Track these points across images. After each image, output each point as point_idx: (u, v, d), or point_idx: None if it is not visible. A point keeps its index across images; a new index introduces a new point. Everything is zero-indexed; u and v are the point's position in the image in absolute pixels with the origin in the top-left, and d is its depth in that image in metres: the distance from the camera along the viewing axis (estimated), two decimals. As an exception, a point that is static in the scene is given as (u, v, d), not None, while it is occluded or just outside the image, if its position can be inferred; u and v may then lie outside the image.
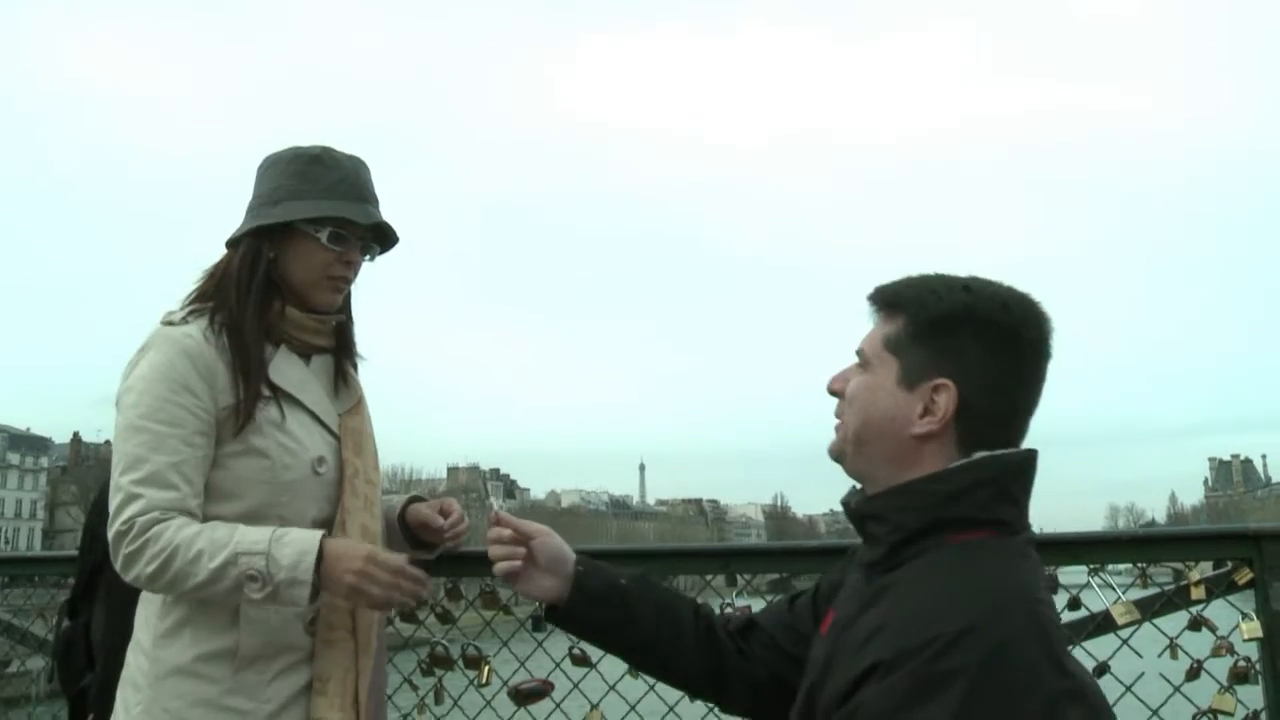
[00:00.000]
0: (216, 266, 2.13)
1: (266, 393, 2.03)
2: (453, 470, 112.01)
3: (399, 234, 2.18)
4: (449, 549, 2.33)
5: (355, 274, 2.16)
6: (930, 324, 1.42)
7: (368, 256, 2.17)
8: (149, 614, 2.02)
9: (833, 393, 1.53)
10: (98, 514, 2.34)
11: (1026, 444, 1.43)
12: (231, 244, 2.12)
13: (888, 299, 1.49)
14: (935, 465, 1.39)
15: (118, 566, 1.92)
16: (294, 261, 2.09)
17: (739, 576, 2.57)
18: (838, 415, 1.52)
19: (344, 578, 1.88)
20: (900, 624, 1.27)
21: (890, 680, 1.22)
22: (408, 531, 2.27)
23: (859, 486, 1.52)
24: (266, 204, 2.09)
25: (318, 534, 1.91)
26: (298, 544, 1.88)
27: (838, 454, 1.51)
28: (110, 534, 1.92)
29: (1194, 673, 2.27)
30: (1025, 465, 1.41)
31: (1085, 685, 1.26)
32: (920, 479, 1.39)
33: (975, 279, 1.45)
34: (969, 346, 1.40)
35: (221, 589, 1.87)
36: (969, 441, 1.39)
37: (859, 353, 1.51)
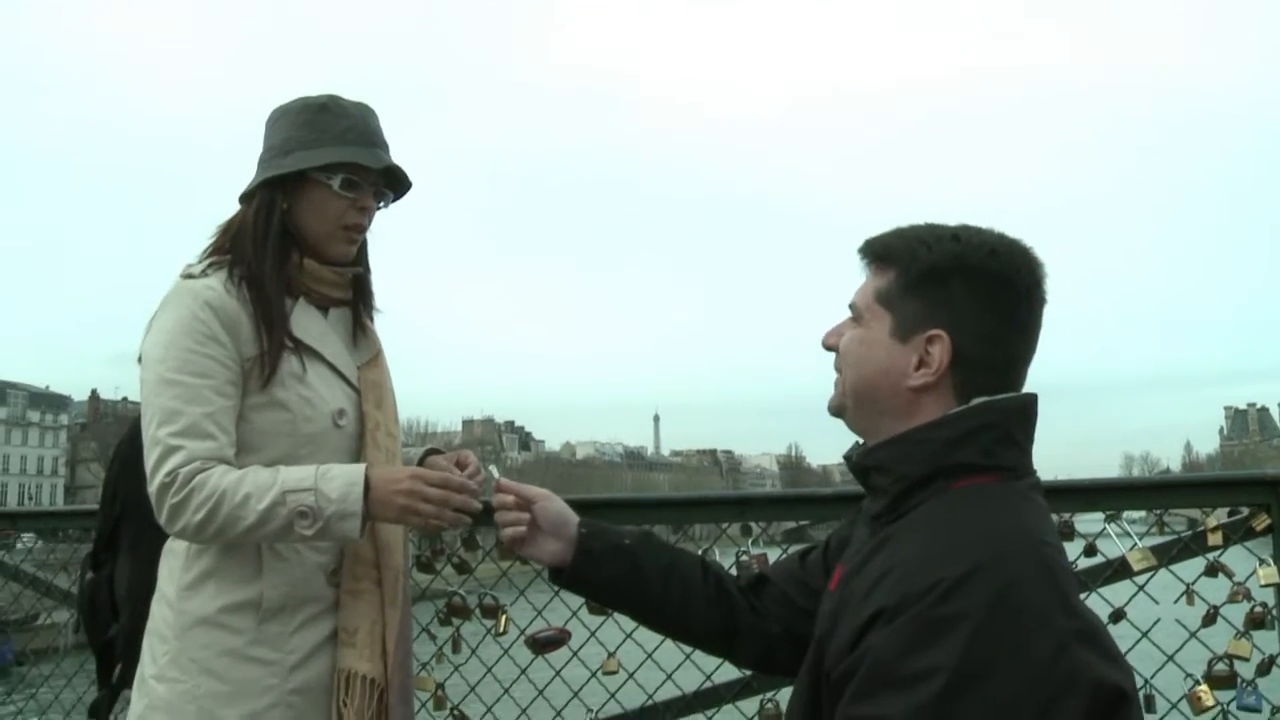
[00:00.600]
0: (231, 221, 2.12)
1: (289, 344, 2.03)
2: (468, 423, 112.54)
3: (411, 179, 2.17)
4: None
5: (369, 221, 2.14)
6: (921, 275, 1.41)
7: (381, 203, 2.16)
8: (173, 566, 2.03)
9: (827, 347, 1.53)
10: (121, 467, 2.35)
11: (1028, 390, 1.42)
12: (245, 198, 2.11)
13: (878, 252, 1.48)
14: (934, 415, 1.39)
15: (162, 520, 1.93)
16: (308, 211, 2.08)
17: (754, 525, 2.58)
18: (836, 370, 1.51)
19: (394, 499, 1.89)
20: (903, 569, 1.27)
21: (895, 625, 1.22)
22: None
23: (861, 441, 1.51)
24: (277, 155, 2.08)
25: (361, 466, 1.93)
26: (344, 476, 1.90)
27: (837, 409, 1.51)
28: (152, 488, 1.92)
29: (1210, 618, 2.27)
30: (1026, 409, 1.40)
31: (1094, 626, 1.25)
32: (919, 427, 1.39)
33: (964, 227, 1.44)
34: (960, 296, 1.39)
35: (271, 530, 1.88)
36: (966, 390, 1.39)
37: (852, 306, 1.50)
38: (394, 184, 2.17)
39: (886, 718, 1.19)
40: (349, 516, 1.87)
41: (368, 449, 2.08)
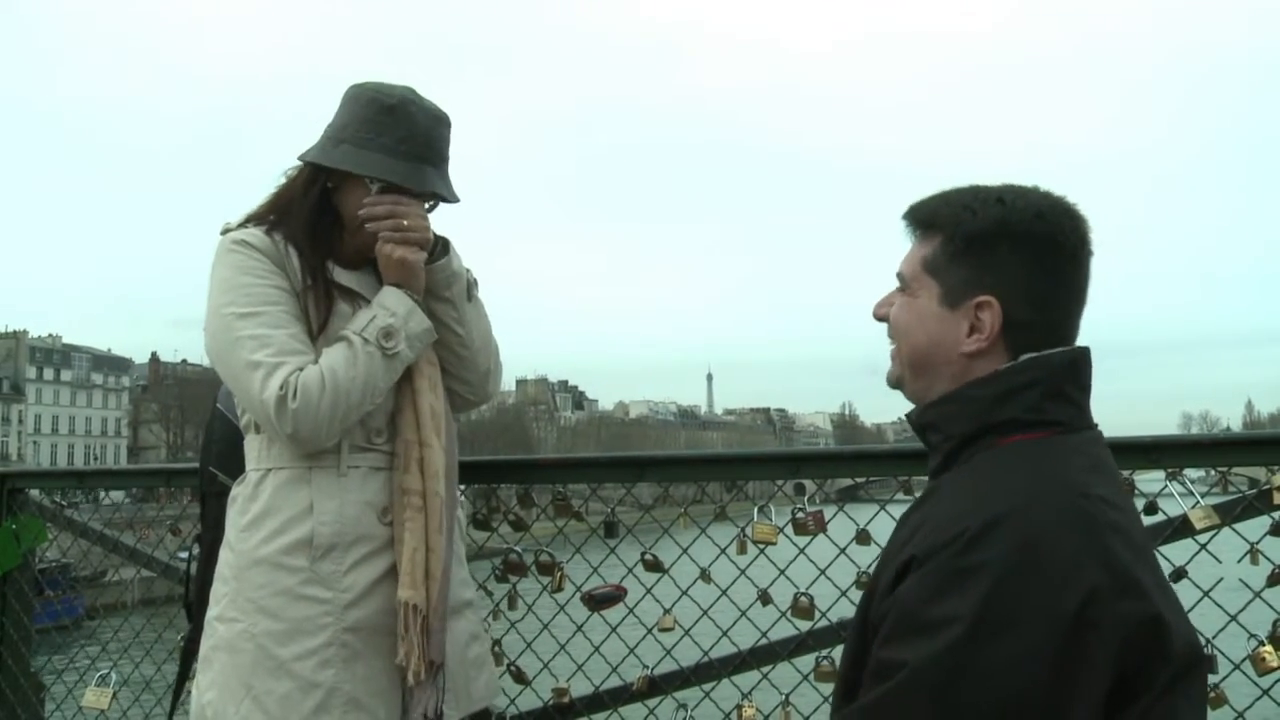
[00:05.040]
0: (280, 192, 2.19)
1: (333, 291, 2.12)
2: (521, 383, 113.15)
3: (459, 197, 2.19)
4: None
5: None
6: (967, 241, 1.40)
7: (427, 205, 2.18)
8: (233, 512, 2.10)
9: (878, 318, 1.53)
10: (207, 452, 2.39)
11: (1081, 344, 1.42)
12: (302, 159, 2.16)
13: (922, 219, 1.48)
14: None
15: (288, 431, 1.97)
16: (347, 198, 2.14)
17: (808, 483, 2.56)
18: (891, 340, 1.52)
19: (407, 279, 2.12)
20: (935, 521, 1.30)
21: (919, 574, 1.24)
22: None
23: None
24: (332, 140, 2.13)
25: (384, 289, 2.12)
26: (384, 297, 2.10)
27: (896, 382, 1.52)
28: (268, 409, 1.97)
29: (1276, 578, 2.23)
30: (1076, 363, 1.39)
31: (1140, 585, 1.22)
32: (967, 384, 1.39)
33: (1009, 189, 1.43)
34: (1008, 260, 1.38)
35: (376, 373, 2.04)
36: (1018, 351, 1.38)
37: (899, 275, 1.50)
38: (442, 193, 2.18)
39: (906, 662, 1.21)
40: (414, 313, 2.09)
41: (415, 378, 2.14)
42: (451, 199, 2.18)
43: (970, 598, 1.18)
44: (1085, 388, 1.40)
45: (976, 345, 1.39)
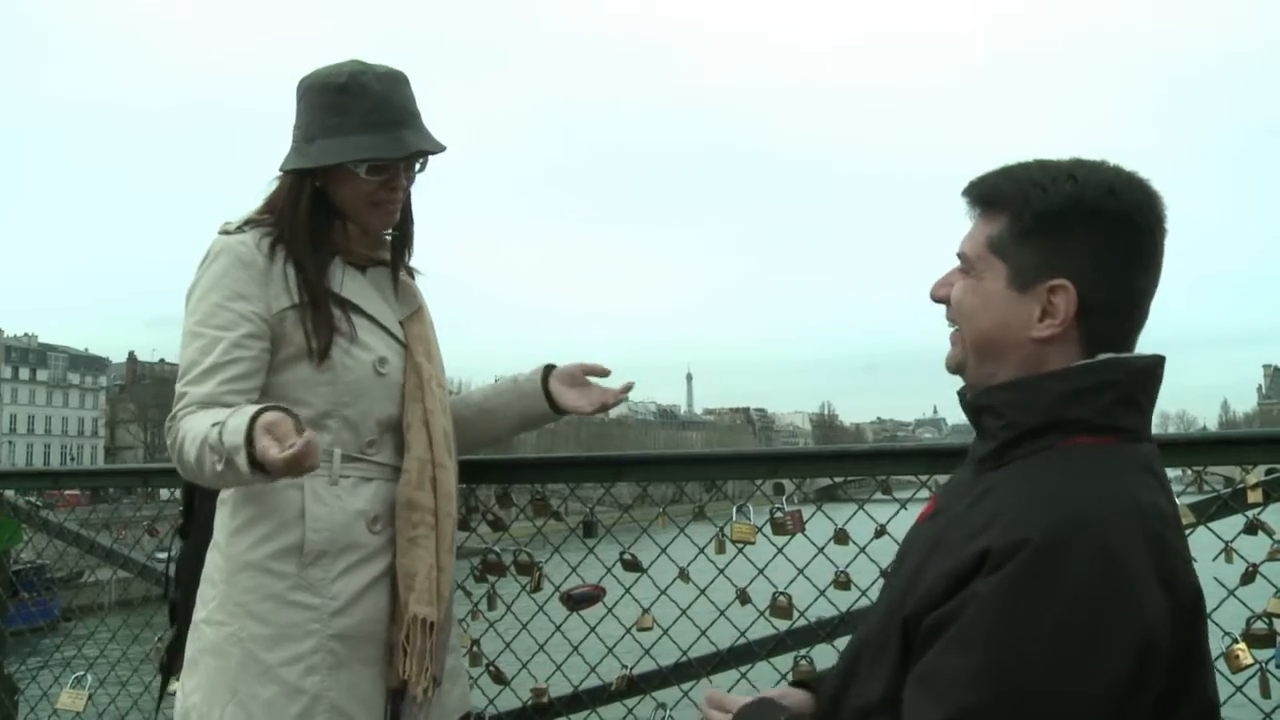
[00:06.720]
0: (271, 198, 2.14)
1: (336, 311, 2.07)
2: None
3: (444, 144, 2.15)
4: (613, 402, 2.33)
5: (404, 192, 2.16)
6: (1036, 220, 1.32)
7: (418, 166, 2.16)
8: (223, 514, 2.09)
9: (936, 299, 1.45)
10: None
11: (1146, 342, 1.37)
12: (283, 169, 2.14)
13: (986, 196, 1.39)
14: (1060, 366, 1.33)
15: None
16: (340, 191, 2.11)
17: (787, 482, 2.57)
18: (950, 323, 1.44)
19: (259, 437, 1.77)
20: (1007, 521, 1.22)
21: (994, 580, 1.18)
22: (550, 400, 2.34)
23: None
24: (302, 141, 2.10)
25: (261, 405, 1.86)
26: (240, 415, 1.83)
27: (957, 367, 1.44)
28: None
29: (1249, 577, 2.24)
30: (1151, 370, 1.34)
31: (1199, 602, 1.23)
32: (1040, 375, 1.32)
33: (1078, 163, 1.35)
34: (1081, 241, 1.31)
35: (206, 471, 1.87)
36: (1094, 341, 1.32)
37: (961, 256, 1.42)
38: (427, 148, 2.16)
39: (972, 670, 1.16)
40: (238, 450, 1.78)
41: (427, 399, 2.13)
42: (435, 149, 2.13)
43: (1052, 607, 1.14)
44: (1154, 398, 1.35)
45: (1050, 330, 1.32)
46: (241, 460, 1.78)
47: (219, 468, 1.83)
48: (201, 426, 1.88)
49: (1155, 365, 1.35)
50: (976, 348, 1.39)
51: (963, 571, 1.22)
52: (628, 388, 2.30)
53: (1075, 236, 1.32)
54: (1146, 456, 1.32)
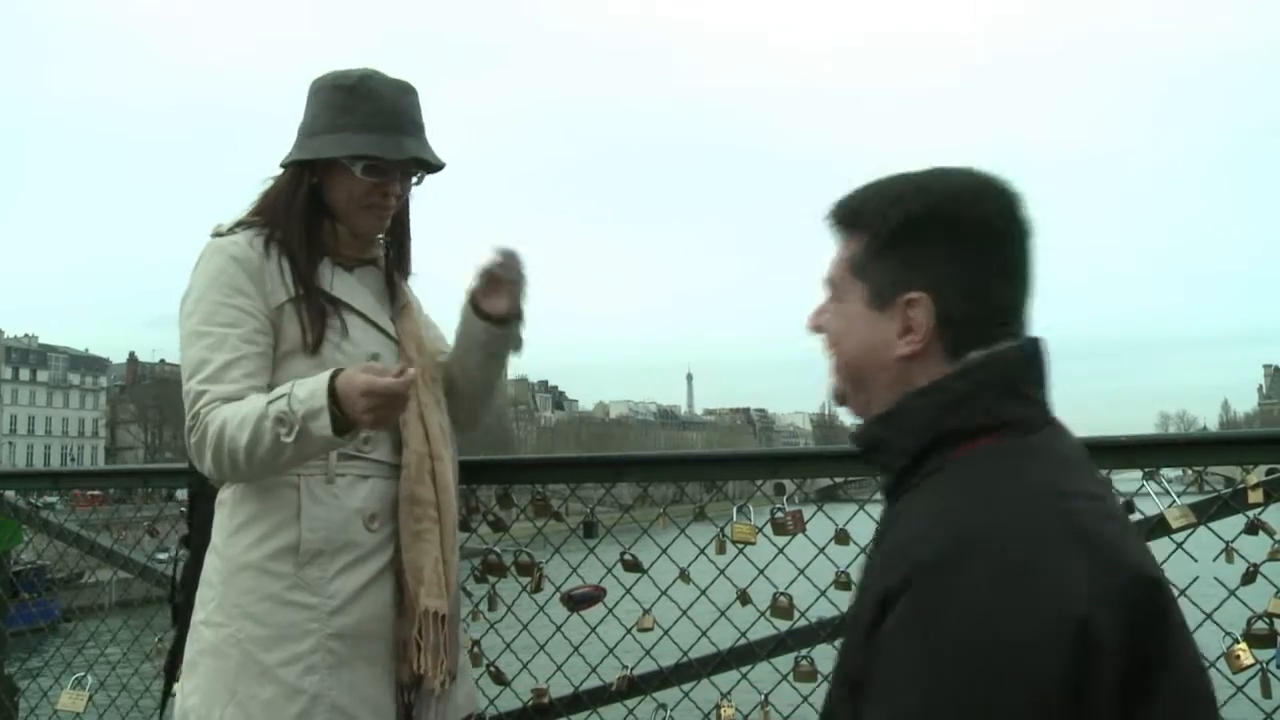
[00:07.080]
0: (267, 193, 2.17)
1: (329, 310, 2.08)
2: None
3: (443, 160, 2.16)
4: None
5: (397, 200, 2.17)
6: (890, 235, 1.28)
7: (414, 179, 2.17)
8: (221, 516, 2.09)
9: (813, 330, 1.40)
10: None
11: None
12: (283, 166, 2.16)
13: (845, 218, 1.34)
14: (928, 381, 1.27)
15: (198, 465, 2.00)
16: (335, 189, 2.13)
17: (788, 483, 2.56)
18: (826, 354, 1.38)
19: (357, 399, 1.83)
20: (900, 549, 1.17)
21: (889, 622, 1.11)
22: (480, 312, 2.23)
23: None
24: (306, 135, 2.13)
25: (330, 370, 1.89)
26: (313, 380, 1.88)
27: (839, 398, 1.39)
28: (186, 436, 1.99)
29: (1250, 576, 2.24)
30: (1031, 356, 1.28)
31: (1145, 563, 1.15)
32: (908, 395, 1.27)
33: (928, 173, 1.31)
34: (934, 250, 1.26)
35: (265, 448, 1.88)
36: (958, 350, 1.26)
37: (828, 282, 1.38)
38: (426, 163, 2.16)
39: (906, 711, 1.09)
40: (318, 413, 1.83)
41: (421, 392, 2.13)
42: (435, 163, 2.15)
43: (952, 627, 1.07)
44: (1041, 381, 1.28)
45: (911, 347, 1.27)
46: (322, 422, 1.83)
47: (286, 439, 1.85)
48: (250, 409, 1.90)
49: (1030, 348, 1.28)
50: (849, 376, 1.35)
51: (871, 620, 1.16)
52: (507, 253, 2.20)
53: (928, 248, 1.26)
54: (1046, 440, 1.25)
